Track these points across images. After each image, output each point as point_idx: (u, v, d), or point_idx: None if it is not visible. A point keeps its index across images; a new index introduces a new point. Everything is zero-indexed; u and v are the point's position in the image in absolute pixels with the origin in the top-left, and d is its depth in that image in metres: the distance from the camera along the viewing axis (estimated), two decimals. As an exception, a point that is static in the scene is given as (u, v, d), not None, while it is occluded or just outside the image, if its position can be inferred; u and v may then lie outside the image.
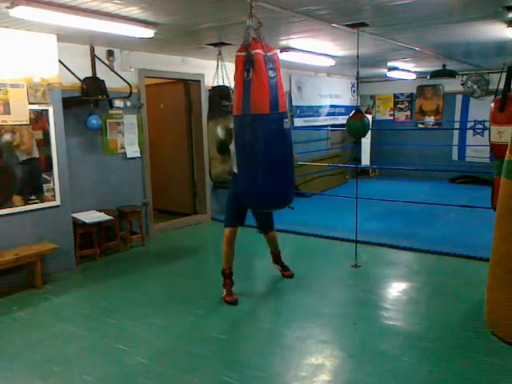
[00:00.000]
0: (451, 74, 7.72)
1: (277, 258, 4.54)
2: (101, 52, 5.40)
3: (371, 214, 6.82)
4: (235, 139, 3.51)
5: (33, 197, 4.49)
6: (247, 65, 3.22)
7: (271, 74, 3.29)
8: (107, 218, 5.17)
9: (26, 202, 4.43)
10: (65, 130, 4.76)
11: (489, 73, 9.18)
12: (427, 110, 10.40)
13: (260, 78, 3.25)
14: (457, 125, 9.96)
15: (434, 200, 6.95)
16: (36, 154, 4.50)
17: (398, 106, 10.81)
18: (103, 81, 5.30)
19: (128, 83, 5.63)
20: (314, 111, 9.35)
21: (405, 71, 8.81)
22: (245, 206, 3.84)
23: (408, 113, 10.70)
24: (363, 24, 4.37)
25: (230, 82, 5.14)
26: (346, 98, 10.49)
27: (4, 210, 4.28)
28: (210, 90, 5.71)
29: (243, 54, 3.24)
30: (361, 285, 4.39)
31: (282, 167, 3.50)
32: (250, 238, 6.18)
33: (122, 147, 5.74)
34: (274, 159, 3.43)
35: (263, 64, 3.27)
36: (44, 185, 4.58)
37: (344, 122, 5.65)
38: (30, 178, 4.48)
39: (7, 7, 3.40)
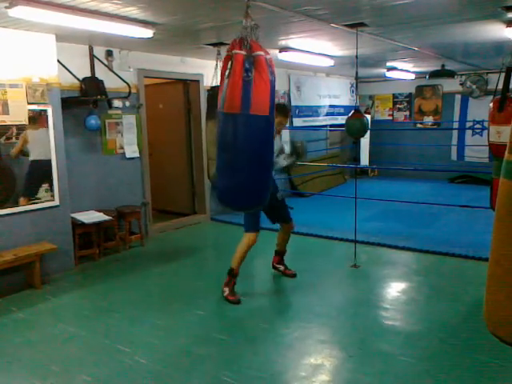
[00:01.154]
0: (450, 74, 7.73)
1: (282, 258, 4.58)
2: (100, 52, 5.40)
3: (370, 213, 6.82)
4: (222, 137, 3.37)
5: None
6: (248, 64, 3.21)
7: (271, 77, 3.30)
8: (106, 218, 5.17)
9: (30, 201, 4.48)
10: (64, 130, 4.75)
11: (488, 73, 9.19)
12: (426, 109, 10.41)
13: (264, 80, 3.27)
14: (456, 125, 9.97)
15: (433, 200, 6.95)
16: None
17: (397, 105, 10.82)
18: (102, 81, 5.29)
19: (127, 83, 5.63)
20: (313, 111, 9.35)
21: (404, 71, 8.82)
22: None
23: (407, 113, 10.71)
24: (362, 24, 4.37)
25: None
26: (345, 97, 10.50)
27: (3, 210, 4.28)
28: (209, 90, 5.71)
29: (243, 52, 3.22)
30: (360, 285, 4.39)
31: (271, 169, 3.58)
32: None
33: (121, 147, 5.74)
34: (268, 161, 3.49)
35: (266, 66, 3.28)
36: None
37: (343, 122, 5.65)
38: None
39: (6, 7, 3.40)
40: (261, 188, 3.50)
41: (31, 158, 4.45)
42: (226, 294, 3.96)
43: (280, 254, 4.59)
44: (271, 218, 4.40)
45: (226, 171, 3.43)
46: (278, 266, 4.60)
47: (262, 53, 3.27)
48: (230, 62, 3.25)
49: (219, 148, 3.43)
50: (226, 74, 3.28)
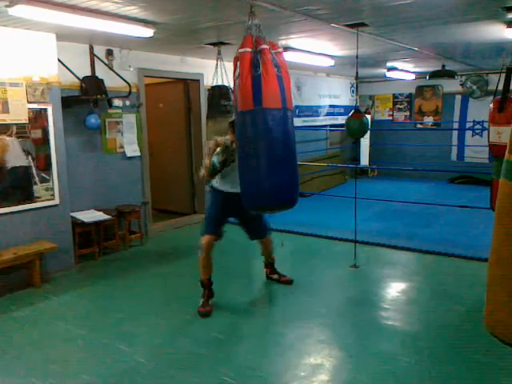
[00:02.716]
0: (450, 75, 7.72)
1: (272, 267, 4.44)
2: (100, 51, 5.40)
3: (370, 214, 6.83)
4: (268, 133, 3.21)
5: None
6: (274, 60, 3.24)
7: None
8: (106, 217, 5.17)
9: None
10: (64, 129, 4.75)
11: (488, 73, 9.19)
12: (426, 110, 10.41)
13: (288, 75, 3.34)
14: (456, 125, 9.97)
15: (433, 200, 6.95)
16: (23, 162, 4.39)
17: (397, 106, 10.82)
18: (102, 80, 5.29)
19: (127, 82, 5.63)
20: (313, 111, 9.35)
21: (404, 71, 8.82)
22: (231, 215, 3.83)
23: (407, 113, 10.71)
24: (362, 24, 4.37)
25: (229, 82, 5.15)
26: (345, 98, 10.50)
27: (3, 208, 4.28)
28: (209, 90, 5.72)
29: (268, 47, 3.23)
30: (360, 285, 4.39)
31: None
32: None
33: (121, 146, 5.74)
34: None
35: (286, 62, 3.36)
36: (41, 184, 4.58)
37: (343, 122, 5.65)
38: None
39: (6, 6, 3.40)
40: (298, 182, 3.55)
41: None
42: (199, 305, 3.81)
43: (270, 265, 4.44)
44: (247, 234, 4.15)
45: (275, 168, 3.28)
46: (271, 275, 4.45)
47: (281, 49, 3.34)
48: (256, 59, 3.19)
49: (264, 146, 3.24)
50: (257, 71, 3.18)
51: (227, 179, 3.81)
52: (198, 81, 6.75)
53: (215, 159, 3.64)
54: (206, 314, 3.74)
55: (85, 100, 5.11)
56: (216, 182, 3.90)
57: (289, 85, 3.34)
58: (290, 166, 3.36)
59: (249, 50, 3.21)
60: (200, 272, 3.88)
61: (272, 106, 3.17)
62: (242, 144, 3.39)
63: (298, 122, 8.84)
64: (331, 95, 9.94)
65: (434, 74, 7.74)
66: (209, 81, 5.99)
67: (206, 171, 3.72)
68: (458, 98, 9.86)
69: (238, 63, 3.24)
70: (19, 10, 3.41)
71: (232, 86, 3.43)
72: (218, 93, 5.37)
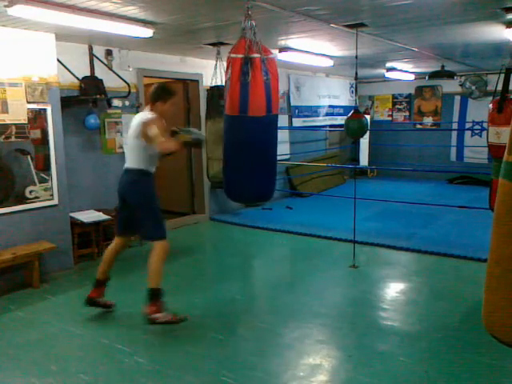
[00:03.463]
0: (450, 75, 7.73)
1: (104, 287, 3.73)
2: (99, 51, 5.40)
3: (369, 214, 6.82)
4: (251, 139, 3.38)
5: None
6: (264, 67, 3.33)
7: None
8: (105, 217, 5.16)
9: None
10: (63, 129, 4.75)
11: (487, 74, 9.20)
12: (426, 110, 10.41)
13: (277, 81, 3.46)
14: (455, 125, 9.98)
15: (432, 200, 6.96)
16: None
17: (397, 106, 10.83)
18: (102, 80, 5.29)
19: (126, 83, 5.63)
20: (312, 111, 9.35)
21: (403, 72, 8.82)
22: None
23: (406, 113, 10.72)
24: (362, 24, 4.38)
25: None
26: (344, 98, 10.50)
27: (1, 208, 4.28)
28: (208, 90, 5.72)
29: (259, 56, 3.30)
30: (359, 285, 4.39)
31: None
32: (249, 238, 6.18)
33: (121, 147, 5.73)
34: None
35: (277, 69, 3.46)
36: (39, 184, 4.58)
37: (342, 122, 5.66)
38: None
39: (5, 6, 3.40)
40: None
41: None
42: (165, 319, 3.32)
43: (102, 283, 3.70)
44: (124, 226, 3.69)
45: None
46: (99, 300, 3.70)
47: (272, 55, 3.42)
48: (246, 67, 3.27)
49: (247, 149, 3.46)
50: (246, 79, 3.27)
51: (155, 159, 3.68)
52: (198, 81, 6.75)
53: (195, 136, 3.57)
54: (185, 318, 3.44)
55: (84, 100, 5.11)
56: (141, 165, 3.54)
57: (276, 89, 3.45)
58: (269, 166, 3.56)
59: (240, 56, 3.28)
60: (154, 281, 3.37)
61: (257, 114, 3.33)
62: (228, 144, 3.53)
63: (297, 122, 8.85)
64: (330, 95, 9.94)
65: (434, 75, 7.76)
66: (208, 81, 5.99)
67: (178, 144, 3.46)
68: (458, 98, 9.87)
69: (230, 65, 3.32)
70: (18, 10, 3.41)
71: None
72: (217, 93, 5.37)
